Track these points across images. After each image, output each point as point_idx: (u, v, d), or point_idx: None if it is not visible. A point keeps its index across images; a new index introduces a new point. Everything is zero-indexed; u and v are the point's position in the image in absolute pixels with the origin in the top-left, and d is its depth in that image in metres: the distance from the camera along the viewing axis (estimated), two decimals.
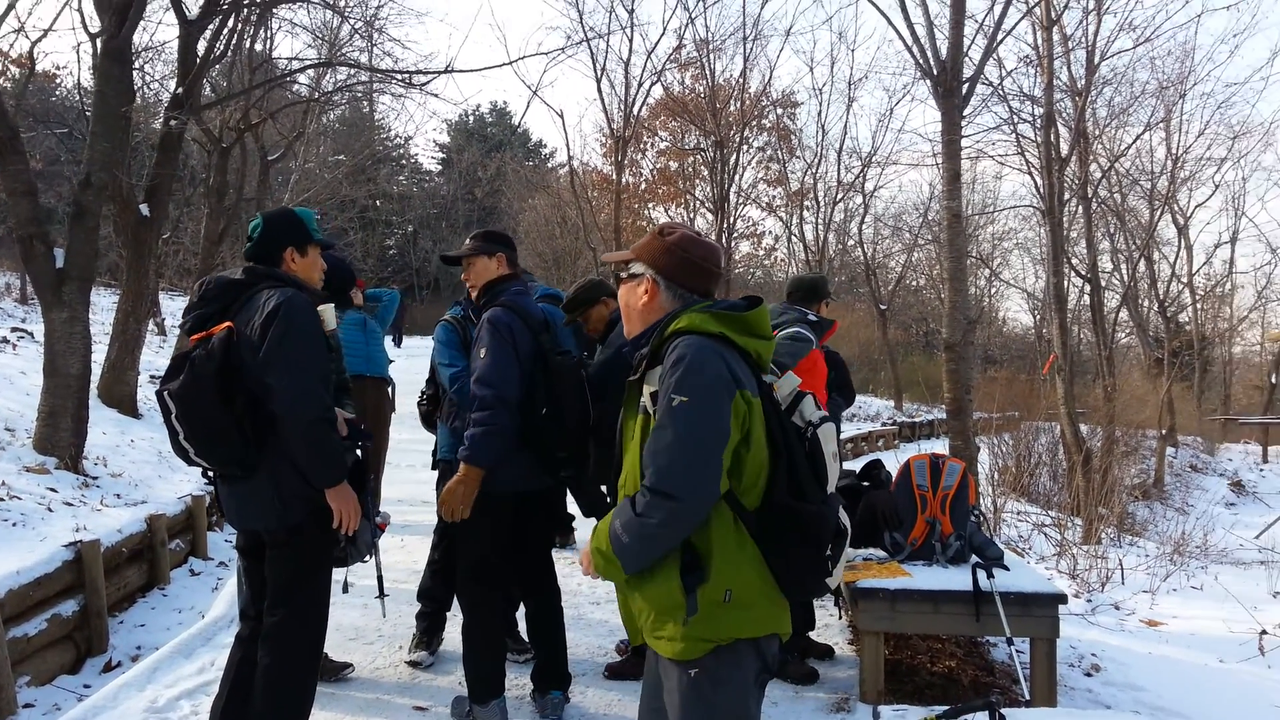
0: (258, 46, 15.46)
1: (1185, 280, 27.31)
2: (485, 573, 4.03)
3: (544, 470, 3.93)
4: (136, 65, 10.49)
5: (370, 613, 5.65)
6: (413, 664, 4.88)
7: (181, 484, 7.75)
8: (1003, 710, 3.12)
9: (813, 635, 5.49)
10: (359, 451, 3.61)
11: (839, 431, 6.21)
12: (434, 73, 10.84)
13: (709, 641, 2.28)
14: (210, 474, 3.42)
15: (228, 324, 3.22)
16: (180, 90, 9.38)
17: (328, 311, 3.57)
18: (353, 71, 15.57)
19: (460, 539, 4.12)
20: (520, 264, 4.39)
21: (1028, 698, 4.24)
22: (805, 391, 2.44)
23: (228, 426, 3.14)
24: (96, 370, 8.95)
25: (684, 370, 2.26)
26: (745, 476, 2.29)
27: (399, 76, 12.54)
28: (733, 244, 25.62)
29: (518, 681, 4.51)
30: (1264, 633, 5.81)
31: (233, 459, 3.22)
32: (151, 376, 11.68)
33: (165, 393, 3.16)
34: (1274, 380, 29.90)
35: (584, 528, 6.98)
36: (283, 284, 3.34)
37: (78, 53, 32.42)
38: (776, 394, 2.41)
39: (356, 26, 14.89)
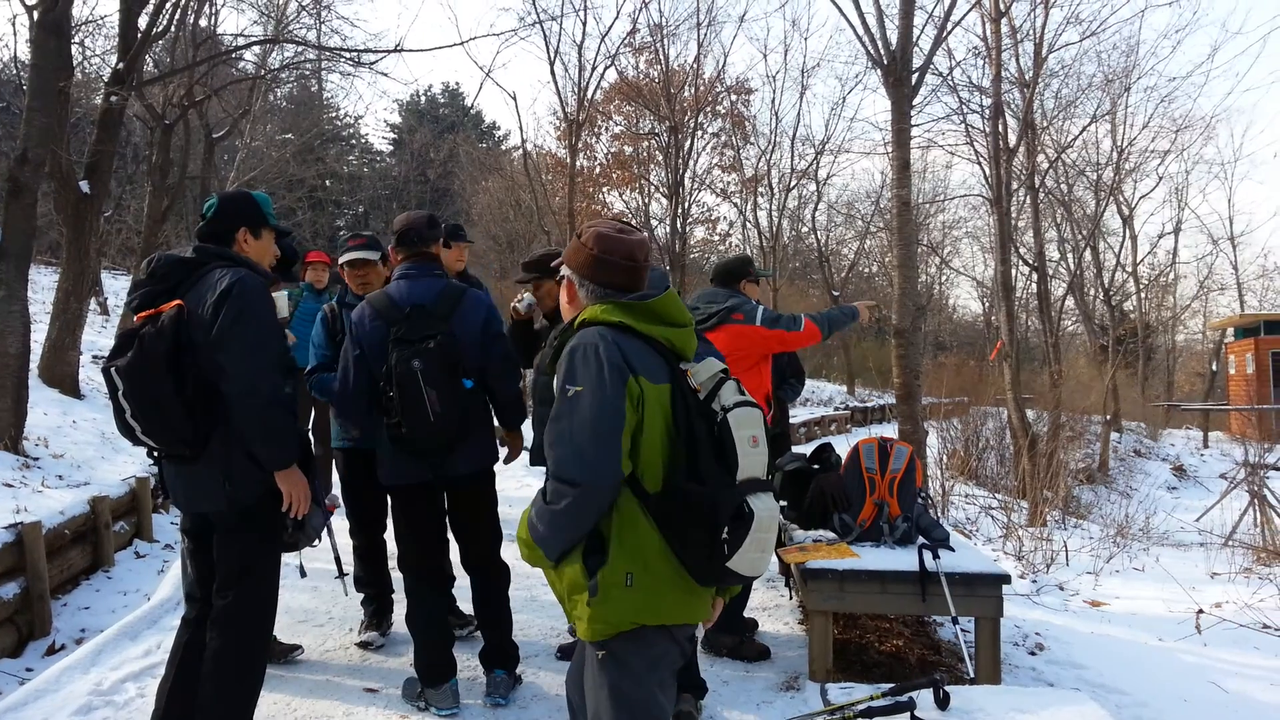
0: (202, 22, 15.15)
1: (1130, 270, 27.83)
2: (407, 560, 4.14)
3: (416, 462, 3.88)
4: (76, 39, 10.23)
5: (320, 595, 5.61)
6: (363, 645, 4.86)
7: (125, 465, 7.62)
8: (946, 688, 3.18)
9: (764, 616, 5.55)
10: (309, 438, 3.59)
11: (784, 416, 6.25)
12: (383, 52, 10.78)
13: (612, 625, 2.33)
14: (156, 454, 3.36)
15: (178, 302, 3.17)
16: (121, 65, 9.16)
17: (280, 299, 3.60)
18: (300, 49, 15.30)
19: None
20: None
21: (972, 675, 4.31)
22: (731, 378, 2.43)
23: (176, 405, 3.09)
24: (37, 350, 8.76)
25: (576, 360, 2.33)
26: (641, 460, 2.33)
27: (347, 55, 12.41)
28: (687, 229, 25.63)
29: (470, 663, 4.50)
30: (1201, 612, 5.96)
31: (180, 439, 3.17)
32: (94, 356, 11.45)
33: (112, 369, 3.10)
34: (1215, 368, 30.65)
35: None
36: (234, 264, 3.29)
37: (14, 25, 31.65)
38: (691, 379, 2.40)
39: (304, 3, 14.66)
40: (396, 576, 5.05)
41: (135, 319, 3.24)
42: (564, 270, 2.59)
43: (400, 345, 3.71)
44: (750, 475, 2.30)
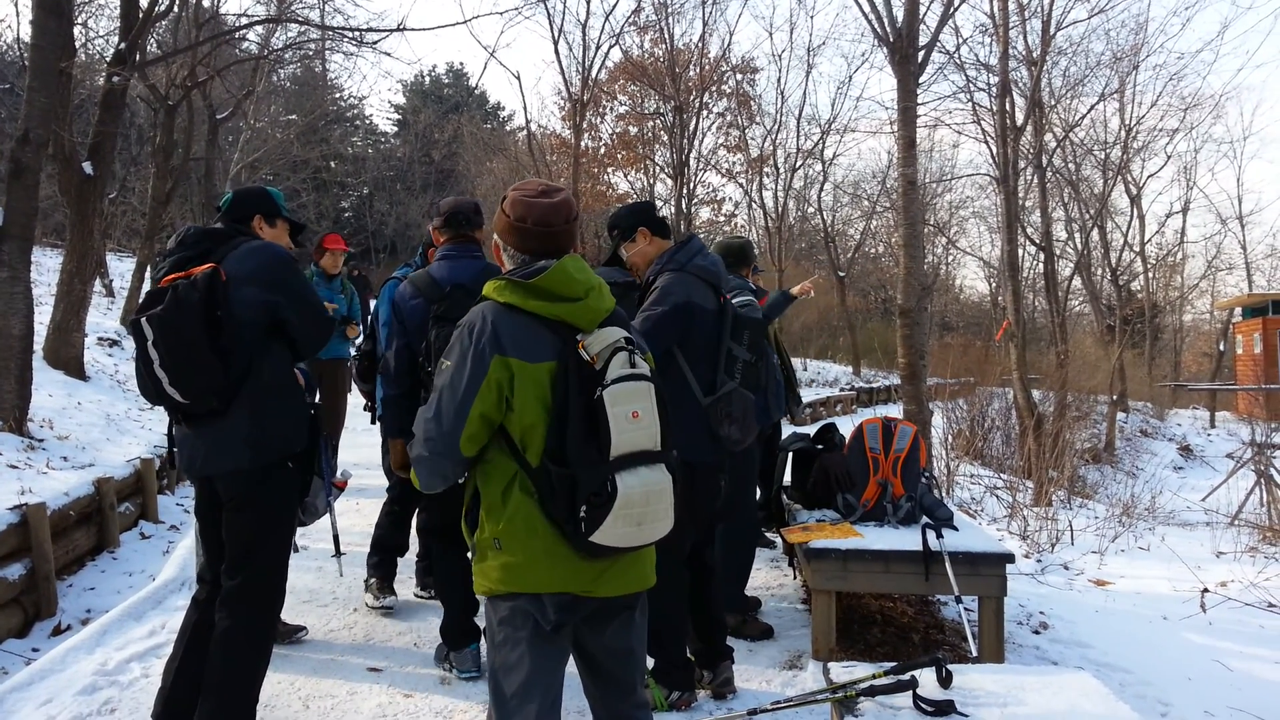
0: (204, 1, 15.10)
1: (1137, 249, 27.67)
2: (435, 526, 4.23)
3: None
4: (78, 20, 10.18)
5: (324, 575, 5.63)
6: (387, 609, 5.06)
7: (130, 447, 7.63)
8: (949, 666, 3.16)
9: (768, 595, 5.55)
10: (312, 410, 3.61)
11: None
12: (386, 31, 10.80)
13: (490, 585, 2.43)
14: (177, 415, 3.38)
15: (212, 264, 3.25)
16: (123, 46, 9.14)
17: None
18: (303, 28, 15.24)
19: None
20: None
21: (976, 654, 4.30)
22: (627, 349, 2.39)
23: (208, 352, 3.12)
24: (41, 332, 8.76)
25: (458, 332, 2.43)
26: (519, 436, 2.37)
27: (350, 34, 12.37)
28: (692, 210, 25.55)
29: None
30: (1206, 591, 5.94)
31: (210, 388, 3.18)
32: (99, 338, 11.46)
33: (143, 319, 3.14)
34: (1222, 348, 30.52)
35: None
36: (258, 239, 3.49)
37: (16, 6, 31.61)
38: (584, 352, 2.37)
39: None
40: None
41: (162, 282, 3.28)
42: (494, 236, 2.64)
43: (440, 323, 3.77)
44: (628, 450, 2.30)
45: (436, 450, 2.38)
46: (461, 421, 2.33)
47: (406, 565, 5.53)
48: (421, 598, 5.34)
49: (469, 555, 3.36)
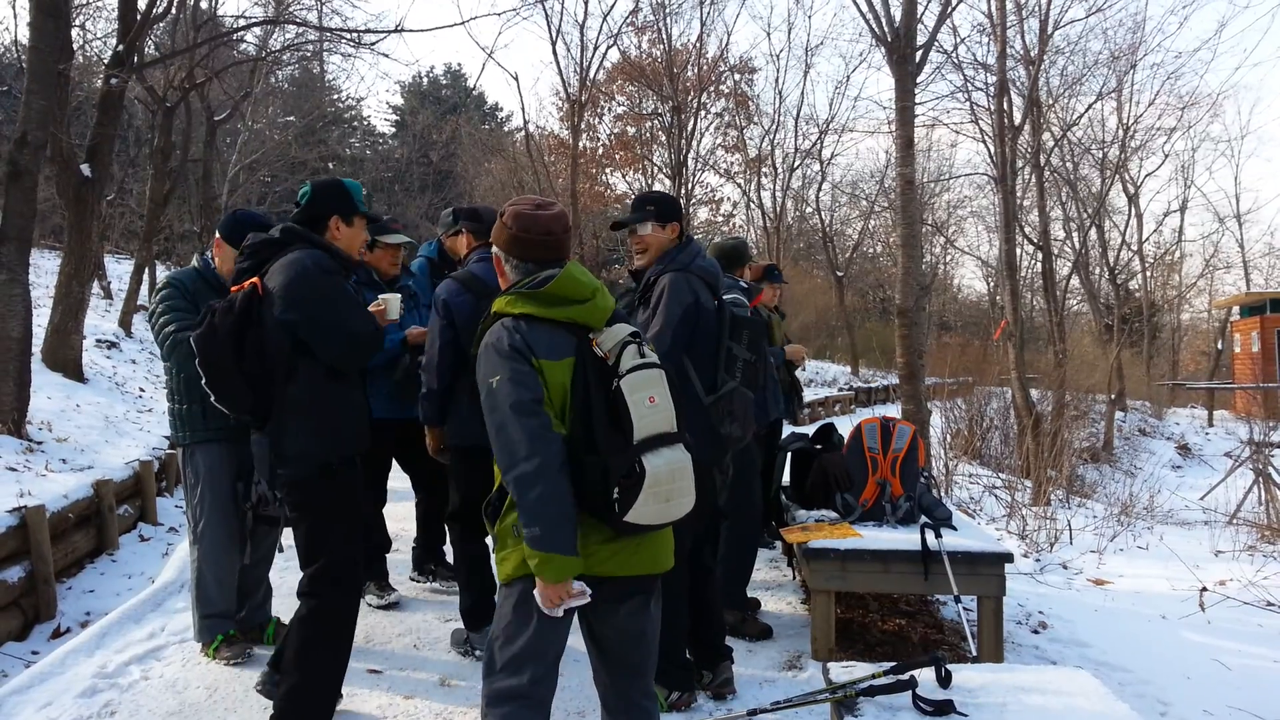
0: (202, 3, 15.09)
1: (1135, 248, 27.71)
2: (462, 514, 4.31)
3: None
4: (76, 22, 10.17)
5: None
6: (391, 605, 5.10)
7: (129, 449, 7.63)
8: (948, 666, 3.17)
9: (767, 595, 5.55)
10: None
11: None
12: (384, 32, 10.85)
13: (507, 572, 2.57)
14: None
15: (254, 280, 3.33)
16: (121, 47, 9.13)
17: (393, 301, 3.82)
18: (301, 30, 15.25)
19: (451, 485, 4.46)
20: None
21: (975, 654, 4.31)
22: (636, 341, 2.53)
23: (236, 375, 3.28)
24: (40, 334, 8.76)
25: (488, 353, 2.52)
26: None
27: (348, 35, 12.40)
28: (691, 211, 25.54)
29: None
30: (1204, 590, 5.95)
31: (240, 408, 3.37)
32: (97, 340, 11.45)
33: (190, 338, 3.35)
34: (1220, 346, 30.54)
35: None
36: (313, 246, 3.42)
37: (14, 8, 31.62)
38: (597, 348, 2.53)
39: None
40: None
41: (232, 290, 3.44)
42: (495, 249, 2.75)
43: None
44: (650, 433, 2.44)
45: (539, 453, 2.40)
46: (543, 413, 2.43)
47: (406, 566, 5.53)
48: (416, 581, 5.41)
49: (489, 541, 3.35)
